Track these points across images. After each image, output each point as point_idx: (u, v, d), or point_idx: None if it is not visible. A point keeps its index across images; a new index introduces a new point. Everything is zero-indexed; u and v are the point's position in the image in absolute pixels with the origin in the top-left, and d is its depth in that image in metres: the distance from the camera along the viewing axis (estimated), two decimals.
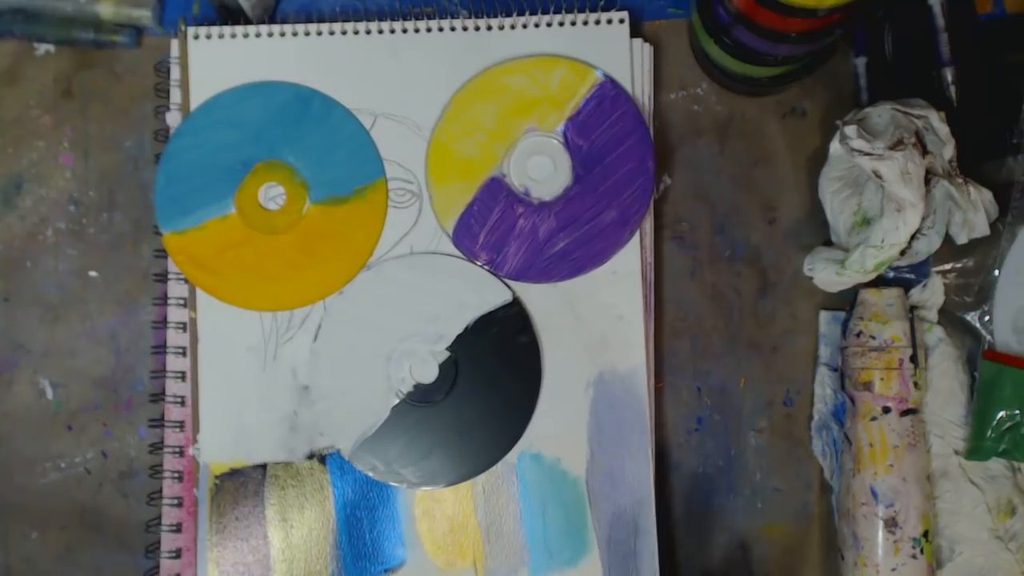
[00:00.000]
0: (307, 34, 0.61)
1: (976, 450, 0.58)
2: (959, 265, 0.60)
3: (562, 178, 0.60)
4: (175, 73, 0.61)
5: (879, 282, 0.60)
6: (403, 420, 0.59)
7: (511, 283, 0.60)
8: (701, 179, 0.62)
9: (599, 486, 0.59)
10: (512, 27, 0.61)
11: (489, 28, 0.61)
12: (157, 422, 0.60)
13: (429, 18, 0.61)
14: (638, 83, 0.61)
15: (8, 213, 0.63)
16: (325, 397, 0.59)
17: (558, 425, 0.59)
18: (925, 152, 0.55)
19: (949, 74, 0.58)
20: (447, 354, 0.59)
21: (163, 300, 0.61)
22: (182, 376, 0.60)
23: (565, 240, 0.60)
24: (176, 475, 0.60)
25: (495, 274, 0.60)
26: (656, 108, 0.62)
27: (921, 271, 0.60)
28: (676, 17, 0.63)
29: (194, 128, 0.61)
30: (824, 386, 0.61)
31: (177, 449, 0.60)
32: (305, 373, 0.60)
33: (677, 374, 0.61)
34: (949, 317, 0.60)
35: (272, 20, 0.63)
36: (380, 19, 0.61)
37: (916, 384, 0.57)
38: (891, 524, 0.56)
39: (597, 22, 0.61)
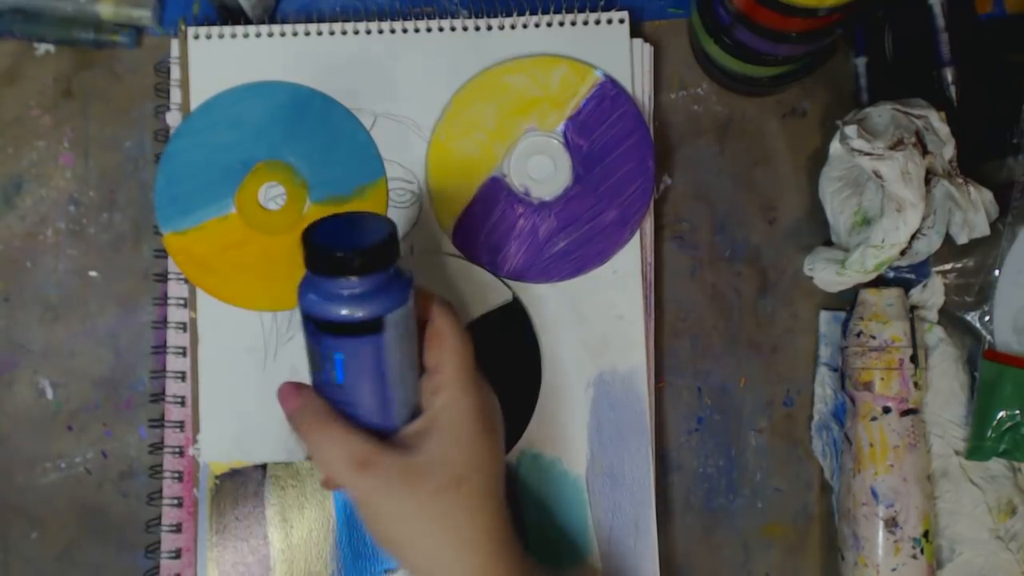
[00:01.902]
0: (307, 34, 0.61)
1: (976, 450, 0.58)
2: (959, 265, 0.60)
3: (562, 178, 0.60)
4: (175, 73, 0.61)
5: (879, 282, 0.60)
6: None
7: (511, 283, 0.60)
8: (701, 179, 0.62)
9: (599, 486, 0.59)
10: (512, 27, 0.61)
11: (489, 28, 0.61)
12: (157, 422, 0.60)
13: (429, 18, 0.61)
14: (638, 83, 0.61)
15: (8, 213, 0.63)
16: None
17: (558, 425, 0.59)
18: (925, 152, 0.55)
19: (949, 74, 0.58)
20: None
21: (163, 300, 0.61)
22: (182, 376, 0.60)
23: (565, 240, 0.60)
24: (176, 475, 0.60)
25: (495, 274, 0.60)
26: (656, 108, 0.62)
27: (921, 271, 0.60)
28: (676, 17, 0.63)
29: (194, 128, 0.61)
30: (824, 386, 0.61)
31: (177, 449, 0.60)
32: (305, 373, 0.60)
33: (677, 374, 0.61)
34: (949, 317, 0.60)
35: (272, 20, 0.63)
36: (380, 19, 0.61)
37: (916, 384, 0.57)
38: (891, 524, 0.56)
39: (597, 22, 0.61)
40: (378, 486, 0.45)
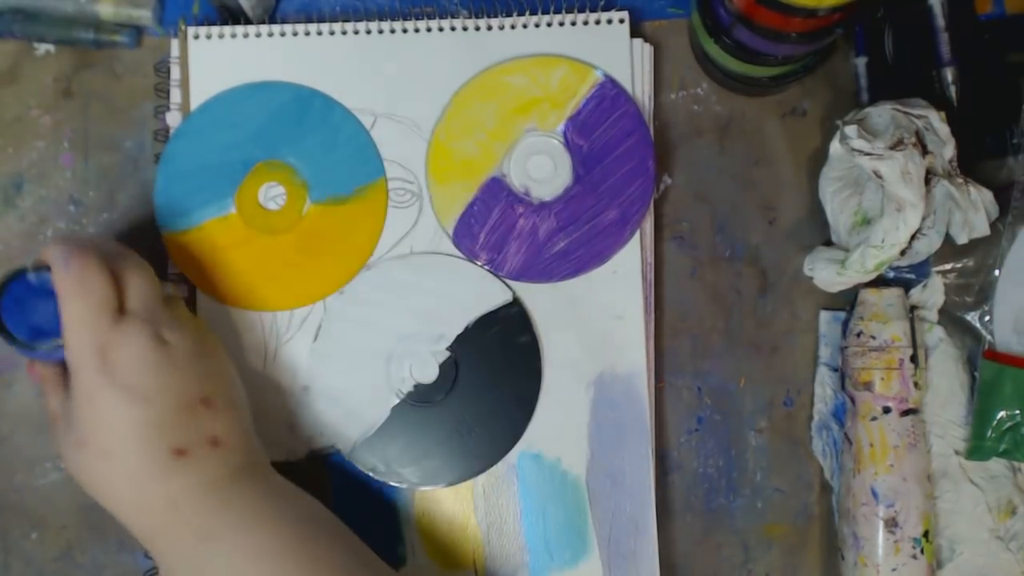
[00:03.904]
0: (307, 34, 0.61)
1: (976, 450, 0.58)
2: (959, 265, 0.60)
3: (562, 178, 0.60)
4: (175, 73, 0.61)
5: (879, 282, 0.60)
6: (403, 420, 0.59)
7: (511, 283, 0.60)
8: (701, 179, 0.62)
9: (599, 486, 0.59)
10: (512, 27, 0.61)
11: (489, 28, 0.61)
12: None
13: (429, 18, 0.61)
14: (638, 83, 0.61)
15: (8, 213, 0.63)
16: (325, 397, 0.59)
17: (558, 425, 0.59)
18: (925, 152, 0.55)
19: (949, 74, 0.58)
20: (447, 354, 0.59)
21: None
22: None
23: (565, 240, 0.60)
24: None
25: (495, 274, 0.60)
26: (656, 108, 0.62)
27: (921, 271, 0.60)
28: (676, 17, 0.63)
29: (194, 128, 0.61)
30: (824, 386, 0.61)
31: None
32: (305, 373, 0.60)
33: (677, 374, 0.61)
34: (949, 317, 0.60)
35: (272, 20, 0.63)
36: (380, 19, 0.61)
37: (916, 384, 0.57)
38: (891, 524, 0.56)
39: (597, 22, 0.61)
40: None
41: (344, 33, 0.61)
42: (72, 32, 0.62)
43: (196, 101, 0.61)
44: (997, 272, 0.59)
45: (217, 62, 0.61)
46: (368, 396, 0.59)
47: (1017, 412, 0.57)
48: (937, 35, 0.58)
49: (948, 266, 0.60)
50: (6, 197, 0.63)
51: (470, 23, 0.61)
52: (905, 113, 0.56)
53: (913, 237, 0.55)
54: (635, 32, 0.61)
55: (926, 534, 0.56)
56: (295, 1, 0.63)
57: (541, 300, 0.60)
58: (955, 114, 0.57)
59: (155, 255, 0.61)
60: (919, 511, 0.56)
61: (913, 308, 0.60)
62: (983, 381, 0.58)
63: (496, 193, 0.60)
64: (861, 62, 0.61)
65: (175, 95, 0.61)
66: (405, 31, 0.61)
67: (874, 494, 0.56)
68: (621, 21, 0.60)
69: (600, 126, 0.60)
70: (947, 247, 0.58)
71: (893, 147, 0.54)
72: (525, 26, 0.61)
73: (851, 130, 0.55)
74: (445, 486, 0.59)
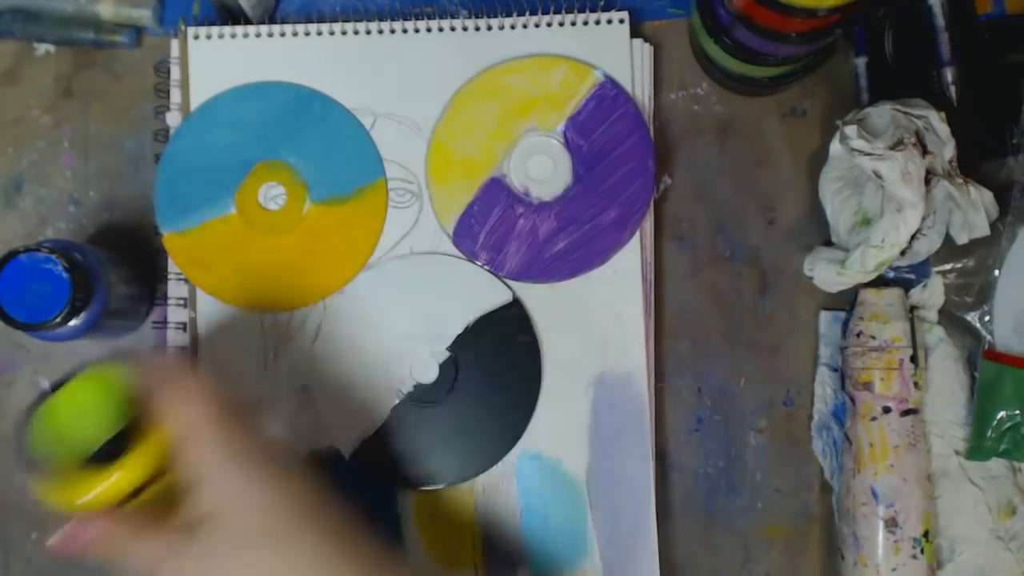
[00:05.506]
0: (307, 34, 0.61)
1: (976, 450, 0.58)
2: (959, 265, 0.60)
3: (562, 178, 0.60)
4: (175, 73, 0.61)
5: (879, 282, 0.60)
6: (403, 420, 0.59)
7: (511, 283, 0.60)
8: (701, 179, 0.62)
9: (599, 486, 0.59)
10: (512, 27, 0.61)
11: (489, 28, 0.61)
12: None
13: (429, 18, 0.61)
14: (638, 83, 0.61)
15: (8, 213, 0.63)
16: (325, 397, 0.59)
17: (558, 425, 0.59)
18: (925, 152, 0.55)
19: (949, 74, 0.58)
20: (447, 354, 0.59)
21: (163, 300, 0.61)
22: None
23: (565, 240, 0.60)
24: None
25: (495, 274, 0.60)
26: (656, 108, 0.62)
27: (921, 271, 0.60)
28: (676, 17, 0.63)
29: (194, 128, 0.61)
30: (824, 386, 0.61)
31: None
32: (305, 373, 0.60)
33: (677, 374, 0.61)
34: (949, 317, 0.60)
35: (272, 20, 0.63)
36: (380, 19, 0.61)
37: (916, 384, 0.57)
38: (891, 524, 0.56)
39: (597, 22, 0.61)
40: None
41: (344, 33, 0.61)
42: (72, 32, 0.62)
43: (196, 101, 0.61)
44: (997, 272, 0.59)
45: (217, 62, 0.61)
46: (368, 396, 0.59)
47: (1017, 412, 0.57)
48: (937, 35, 0.58)
49: (948, 266, 0.60)
50: (6, 197, 0.63)
51: (470, 23, 0.61)
52: (905, 113, 0.56)
53: (913, 237, 0.55)
54: (635, 32, 0.61)
55: (926, 534, 0.56)
56: (295, 1, 0.63)
57: (541, 300, 0.60)
58: (955, 114, 0.57)
59: (155, 255, 0.61)
60: (919, 511, 0.56)
61: (913, 308, 0.59)
62: (983, 381, 0.58)
63: (496, 193, 0.60)
64: (861, 62, 0.61)
65: (175, 95, 0.61)
66: (405, 31, 0.61)
67: (874, 494, 0.56)
68: (621, 21, 0.60)
69: (600, 126, 0.60)
70: (947, 247, 0.58)
71: (893, 147, 0.54)
72: (525, 26, 0.61)
73: (851, 130, 0.55)
74: (445, 486, 0.59)
